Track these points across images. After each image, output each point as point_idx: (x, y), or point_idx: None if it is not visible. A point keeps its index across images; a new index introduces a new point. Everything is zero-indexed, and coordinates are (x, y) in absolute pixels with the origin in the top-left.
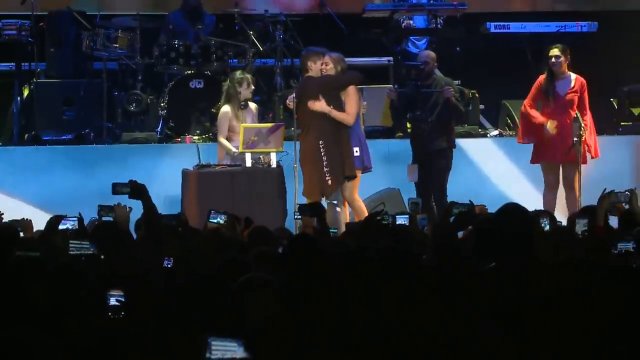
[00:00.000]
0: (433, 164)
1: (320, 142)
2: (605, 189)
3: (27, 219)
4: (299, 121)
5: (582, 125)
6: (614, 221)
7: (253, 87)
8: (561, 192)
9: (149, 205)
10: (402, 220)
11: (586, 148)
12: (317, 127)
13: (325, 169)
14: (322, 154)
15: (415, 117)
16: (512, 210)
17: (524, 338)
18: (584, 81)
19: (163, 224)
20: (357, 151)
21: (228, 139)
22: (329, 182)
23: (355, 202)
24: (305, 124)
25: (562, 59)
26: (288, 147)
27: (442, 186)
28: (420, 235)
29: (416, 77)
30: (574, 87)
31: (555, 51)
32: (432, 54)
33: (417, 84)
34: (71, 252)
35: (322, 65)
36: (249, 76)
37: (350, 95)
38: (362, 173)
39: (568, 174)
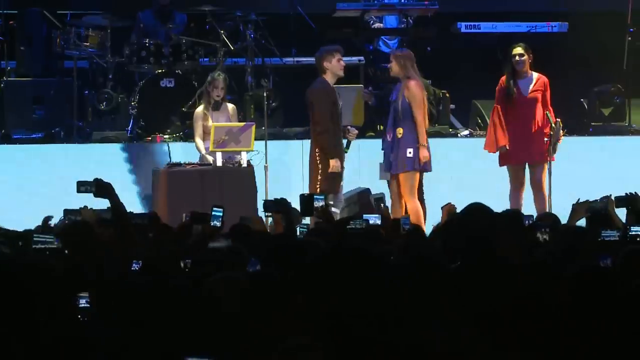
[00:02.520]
0: None
1: (317, 150)
2: (579, 198)
3: None
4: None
5: (561, 127)
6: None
7: (222, 88)
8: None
9: (116, 203)
10: (371, 219)
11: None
12: (314, 135)
13: (318, 178)
14: (318, 162)
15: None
16: (476, 210)
17: (491, 337)
18: (547, 80)
19: (134, 223)
20: (410, 152)
21: (202, 138)
22: (319, 191)
23: (410, 203)
24: (311, 128)
25: (526, 57)
26: (259, 146)
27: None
28: (393, 233)
29: (390, 80)
30: (536, 85)
31: (518, 50)
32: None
33: (389, 86)
34: (35, 247)
35: (338, 62)
36: (220, 77)
37: (417, 102)
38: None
39: (536, 174)
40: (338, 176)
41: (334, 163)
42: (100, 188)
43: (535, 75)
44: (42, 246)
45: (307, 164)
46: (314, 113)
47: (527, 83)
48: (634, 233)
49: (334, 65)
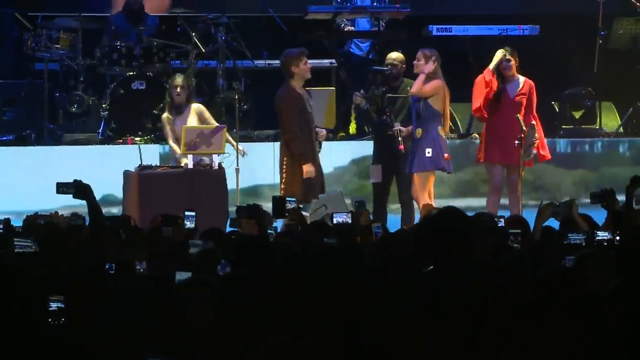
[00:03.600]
0: (399, 165)
1: (285, 159)
2: (542, 201)
3: None
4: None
5: (535, 131)
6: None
7: (180, 87)
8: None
9: (93, 205)
10: (340, 218)
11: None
12: (283, 142)
13: (282, 186)
14: (284, 170)
15: (381, 123)
16: (451, 213)
17: (462, 337)
18: (533, 83)
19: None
20: (429, 152)
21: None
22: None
23: (421, 203)
24: (280, 134)
25: (512, 61)
26: (230, 149)
27: (405, 185)
28: (363, 232)
29: (382, 82)
30: (522, 89)
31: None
32: (401, 55)
33: (383, 89)
34: (16, 250)
35: (305, 65)
36: (176, 77)
37: (432, 84)
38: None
39: (512, 177)
40: (309, 182)
41: (307, 168)
42: (79, 190)
43: (522, 78)
44: (22, 250)
45: (278, 167)
46: (281, 120)
47: (515, 87)
48: (600, 238)
49: (302, 69)
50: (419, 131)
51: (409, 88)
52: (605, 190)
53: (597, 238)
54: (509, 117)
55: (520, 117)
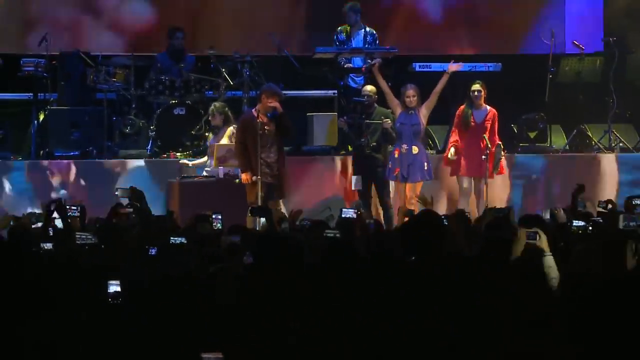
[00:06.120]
0: (376, 176)
1: None
2: (487, 205)
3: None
4: None
5: (502, 150)
6: None
7: (216, 116)
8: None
9: (143, 207)
10: (348, 214)
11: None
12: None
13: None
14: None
15: (361, 143)
16: (428, 216)
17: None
18: (496, 112)
19: (155, 223)
20: (426, 165)
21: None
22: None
23: (416, 206)
24: None
25: (482, 92)
26: None
27: (385, 192)
28: (363, 228)
29: (362, 111)
30: (488, 116)
31: (477, 86)
32: (374, 88)
33: (362, 116)
34: (77, 242)
35: (269, 103)
36: (215, 106)
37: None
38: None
39: (478, 185)
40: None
41: (244, 176)
42: (135, 194)
43: (488, 107)
44: (82, 242)
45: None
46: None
47: (482, 114)
48: (575, 225)
49: (264, 103)
50: (415, 148)
51: (382, 117)
52: (554, 208)
53: (573, 225)
54: (476, 138)
55: (489, 139)
